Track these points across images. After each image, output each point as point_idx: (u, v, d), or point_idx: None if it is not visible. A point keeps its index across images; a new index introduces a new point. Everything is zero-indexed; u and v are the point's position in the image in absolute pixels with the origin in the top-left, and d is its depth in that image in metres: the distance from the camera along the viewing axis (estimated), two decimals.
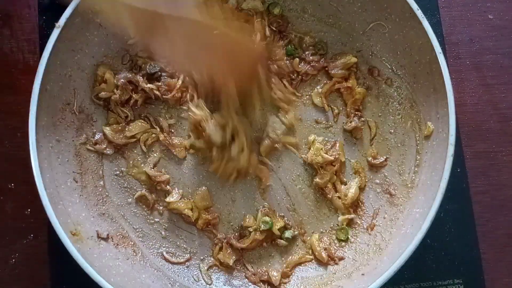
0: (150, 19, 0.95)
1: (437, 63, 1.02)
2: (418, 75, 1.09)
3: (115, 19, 0.98)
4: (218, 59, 1.03)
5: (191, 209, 1.12)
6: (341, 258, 1.10)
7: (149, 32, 0.97)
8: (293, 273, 1.10)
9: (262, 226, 1.10)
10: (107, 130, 1.13)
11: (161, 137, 1.14)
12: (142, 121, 1.15)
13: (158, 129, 1.15)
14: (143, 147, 1.15)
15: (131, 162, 1.15)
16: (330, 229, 1.13)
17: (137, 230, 1.12)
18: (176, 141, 1.15)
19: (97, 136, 1.13)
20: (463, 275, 1.16)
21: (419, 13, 1.03)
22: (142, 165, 1.14)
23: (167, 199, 1.12)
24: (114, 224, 1.11)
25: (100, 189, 1.12)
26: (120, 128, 1.14)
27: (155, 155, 1.15)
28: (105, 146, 1.13)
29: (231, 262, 1.09)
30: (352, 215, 1.12)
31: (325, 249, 1.10)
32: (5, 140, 1.20)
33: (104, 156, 1.14)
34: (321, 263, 1.10)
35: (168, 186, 1.14)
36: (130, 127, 1.15)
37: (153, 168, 1.14)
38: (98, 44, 1.13)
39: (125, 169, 1.15)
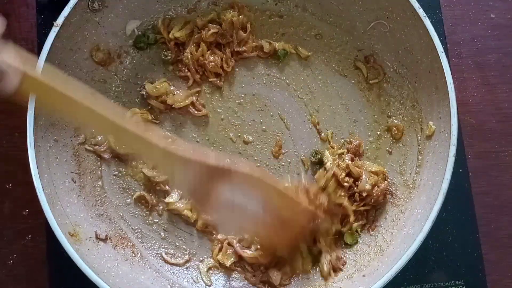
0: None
1: (439, 62, 1.01)
2: (420, 74, 1.08)
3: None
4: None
5: (191, 210, 1.12)
6: (343, 263, 1.09)
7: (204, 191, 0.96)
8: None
9: None
10: (111, 137, 1.12)
11: None
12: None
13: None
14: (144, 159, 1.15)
15: (129, 163, 1.14)
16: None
17: (136, 231, 1.12)
18: None
19: (99, 138, 1.13)
20: (465, 277, 1.15)
21: (420, 11, 1.03)
22: (141, 166, 1.14)
23: (166, 200, 1.12)
24: (112, 225, 1.10)
25: (98, 190, 1.12)
26: None
27: None
28: (104, 149, 1.13)
29: (228, 263, 1.09)
30: (364, 221, 1.11)
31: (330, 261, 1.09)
32: (3, 140, 1.20)
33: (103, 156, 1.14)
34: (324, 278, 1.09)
35: (167, 187, 1.13)
36: None
37: (151, 169, 1.13)
38: (97, 43, 1.12)
39: (124, 170, 1.14)
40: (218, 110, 1.17)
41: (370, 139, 1.16)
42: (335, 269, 1.09)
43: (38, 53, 1.02)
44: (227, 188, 0.95)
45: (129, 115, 1.14)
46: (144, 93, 1.15)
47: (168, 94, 1.15)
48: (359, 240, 1.11)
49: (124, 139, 0.94)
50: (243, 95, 1.18)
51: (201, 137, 1.16)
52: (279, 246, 1.07)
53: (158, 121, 1.16)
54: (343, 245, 1.11)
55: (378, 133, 1.15)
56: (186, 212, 1.11)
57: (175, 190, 1.13)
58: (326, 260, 1.08)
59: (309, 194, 1.06)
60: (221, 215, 1.01)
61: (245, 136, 1.16)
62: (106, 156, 1.13)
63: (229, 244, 1.10)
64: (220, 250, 1.10)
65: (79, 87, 0.94)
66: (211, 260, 1.11)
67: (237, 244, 1.09)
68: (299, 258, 1.08)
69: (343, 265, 1.08)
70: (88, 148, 1.12)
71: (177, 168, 0.93)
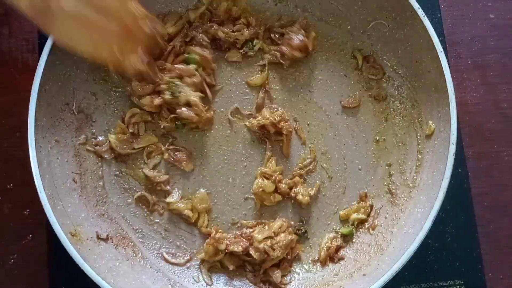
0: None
1: (438, 62, 1.02)
2: (419, 74, 1.09)
3: None
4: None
5: (191, 210, 1.12)
6: (341, 258, 1.09)
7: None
8: (292, 272, 1.10)
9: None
10: (112, 138, 1.13)
11: (166, 155, 1.14)
12: (152, 134, 1.15)
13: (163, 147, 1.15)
14: (145, 159, 1.15)
15: (130, 163, 1.15)
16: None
17: (137, 230, 1.12)
18: (180, 156, 1.15)
19: (100, 138, 1.13)
20: (464, 276, 1.16)
21: (420, 11, 1.03)
22: (142, 166, 1.14)
23: (167, 200, 1.12)
24: (113, 225, 1.10)
25: (99, 190, 1.12)
26: (125, 138, 1.14)
27: (156, 157, 1.15)
28: (105, 149, 1.13)
29: (231, 267, 1.09)
30: (364, 216, 1.12)
31: (328, 248, 1.10)
32: (4, 140, 1.20)
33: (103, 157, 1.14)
34: (322, 263, 1.10)
35: (168, 186, 1.13)
36: (139, 140, 1.15)
37: (152, 169, 1.14)
38: None
39: (125, 170, 1.14)
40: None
41: (371, 138, 1.16)
42: (332, 259, 1.10)
43: (39, 54, 1.03)
44: None
45: (128, 116, 1.14)
46: (129, 89, 1.15)
47: (152, 95, 1.15)
48: (353, 231, 1.12)
49: None
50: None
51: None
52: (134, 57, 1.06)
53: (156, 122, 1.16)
54: (341, 237, 1.12)
55: (378, 132, 1.16)
56: (187, 212, 1.11)
57: (176, 189, 1.14)
58: (325, 247, 1.10)
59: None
60: (69, 30, 0.99)
61: None
62: (107, 156, 1.13)
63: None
64: (215, 249, 1.10)
65: None
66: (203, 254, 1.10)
67: None
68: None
69: (340, 260, 1.09)
70: (89, 148, 1.12)
71: None
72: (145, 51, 1.08)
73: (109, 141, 1.13)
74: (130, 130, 1.14)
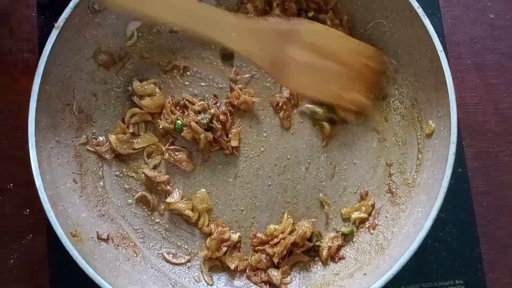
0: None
1: (438, 61, 1.02)
2: (419, 73, 1.09)
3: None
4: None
5: (192, 210, 1.12)
6: (342, 258, 1.09)
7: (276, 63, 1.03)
8: (293, 272, 1.10)
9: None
10: (112, 138, 1.13)
11: (166, 155, 1.14)
12: (152, 134, 1.16)
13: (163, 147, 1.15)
14: (146, 159, 1.15)
15: (130, 163, 1.15)
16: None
17: (138, 231, 1.12)
18: (180, 156, 1.15)
19: (100, 139, 1.13)
20: (464, 276, 1.16)
21: (420, 11, 1.03)
22: (142, 166, 1.14)
23: (168, 200, 1.12)
24: (114, 225, 1.10)
25: (100, 190, 1.12)
26: (125, 138, 1.14)
27: (156, 157, 1.15)
28: (106, 150, 1.13)
29: (232, 266, 1.09)
30: (365, 215, 1.12)
31: (329, 248, 1.10)
32: (4, 140, 1.20)
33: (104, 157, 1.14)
34: (323, 262, 1.10)
35: (168, 186, 1.13)
36: (139, 140, 1.15)
37: (152, 169, 1.14)
38: (97, 44, 1.12)
39: (125, 170, 1.14)
40: None
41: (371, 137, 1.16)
42: (333, 258, 1.10)
43: (39, 54, 1.03)
44: (300, 50, 1.00)
45: (128, 116, 1.15)
46: (130, 89, 1.15)
47: (152, 96, 1.15)
48: (354, 230, 1.12)
49: (194, 22, 1.00)
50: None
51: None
52: (357, 95, 1.11)
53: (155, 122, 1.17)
54: (341, 237, 1.12)
55: (378, 132, 1.16)
56: (188, 212, 1.11)
57: (176, 189, 1.14)
58: (325, 245, 1.10)
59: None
60: (301, 79, 1.06)
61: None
62: (107, 156, 1.13)
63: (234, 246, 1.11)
64: (218, 247, 1.10)
65: None
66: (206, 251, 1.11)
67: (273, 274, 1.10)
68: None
69: (340, 260, 1.09)
70: (90, 148, 1.12)
71: (250, 43, 1.00)
72: (369, 86, 1.13)
73: (110, 141, 1.13)
74: (130, 130, 1.14)
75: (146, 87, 1.15)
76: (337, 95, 1.09)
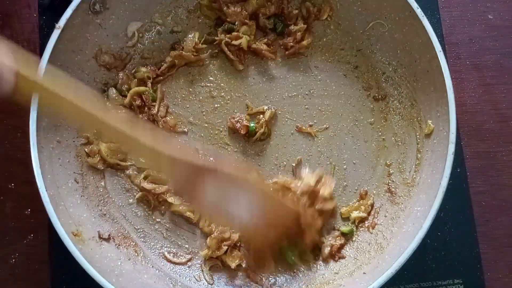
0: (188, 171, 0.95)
1: (437, 61, 1.02)
2: (418, 73, 1.09)
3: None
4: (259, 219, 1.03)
5: (193, 211, 1.12)
6: (342, 257, 1.10)
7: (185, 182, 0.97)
8: (293, 272, 1.11)
9: None
10: (103, 146, 1.13)
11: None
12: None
13: None
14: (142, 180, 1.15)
15: (125, 171, 1.15)
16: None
17: (139, 230, 1.12)
18: None
19: (92, 147, 1.13)
20: (463, 275, 1.16)
21: (419, 11, 1.03)
22: (139, 178, 1.15)
23: (169, 200, 1.13)
24: (115, 225, 1.11)
25: (101, 190, 1.12)
26: (117, 147, 1.14)
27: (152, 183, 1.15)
28: (97, 160, 1.13)
29: (233, 265, 1.09)
30: (365, 214, 1.12)
31: (331, 246, 1.10)
32: (5, 140, 1.20)
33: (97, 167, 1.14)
34: (324, 261, 1.10)
35: (168, 196, 1.13)
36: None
37: (150, 182, 1.14)
38: (98, 45, 1.13)
39: (123, 177, 1.15)
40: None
41: (371, 137, 1.17)
42: (333, 257, 1.10)
43: (40, 55, 1.03)
44: (213, 187, 0.96)
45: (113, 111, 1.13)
46: (106, 96, 1.16)
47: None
48: (354, 229, 1.12)
49: (113, 136, 0.96)
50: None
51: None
52: (264, 245, 1.08)
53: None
54: (341, 236, 1.12)
55: (377, 131, 1.17)
56: (189, 214, 1.12)
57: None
58: (328, 244, 1.10)
59: (295, 195, 1.08)
60: (207, 211, 1.03)
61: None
62: (100, 167, 1.13)
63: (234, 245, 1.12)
64: (219, 246, 1.10)
65: (76, 86, 0.96)
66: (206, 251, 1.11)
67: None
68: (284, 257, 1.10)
69: (340, 259, 1.10)
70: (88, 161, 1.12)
71: (164, 166, 0.94)
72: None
73: (100, 150, 1.12)
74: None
75: (120, 97, 1.15)
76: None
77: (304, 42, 1.17)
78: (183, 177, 0.95)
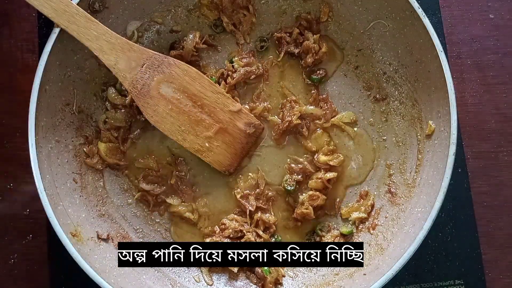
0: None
1: (438, 61, 1.02)
2: (419, 74, 1.09)
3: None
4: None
5: (192, 212, 1.12)
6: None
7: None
8: (293, 271, 1.11)
9: None
10: (102, 146, 1.13)
11: (173, 180, 1.14)
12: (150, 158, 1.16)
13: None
14: (142, 181, 1.15)
15: (123, 171, 1.15)
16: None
17: (138, 230, 1.12)
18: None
19: (91, 147, 1.13)
20: (464, 276, 1.16)
21: (420, 11, 1.03)
22: (137, 179, 1.15)
23: (168, 201, 1.13)
24: (114, 225, 1.10)
25: (100, 190, 1.12)
26: (115, 146, 1.14)
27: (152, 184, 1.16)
28: (96, 161, 1.12)
29: (235, 269, 1.09)
30: (365, 215, 1.12)
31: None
32: (4, 140, 1.20)
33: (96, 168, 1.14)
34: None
35: (168, 198, 1.14)
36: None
37: (149, 183, 1.14)
38: None
39: (122, 177, 1.15)
40: None
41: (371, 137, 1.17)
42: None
43: (39, 54, 1.02)
44: (169, 88, 1.01)
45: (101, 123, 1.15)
46: (105, 95, 1.16)
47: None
48: (354, 230, 1.12)
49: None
50: None
51: None
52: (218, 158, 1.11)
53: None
54: (341, 237, 1.12)
55: (378, 132, 1.16)
56: (188, 215, 1.12)
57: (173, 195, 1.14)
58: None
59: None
60: (164, 117, 1.06)
61: None
62: (99, 167, 1.13)
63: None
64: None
65: None
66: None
67: None
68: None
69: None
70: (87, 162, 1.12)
71: (121, 57, 1.00)
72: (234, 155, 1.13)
73: (99, 149, 1.12)
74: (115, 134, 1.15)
75: (119, 96, 1.15)
76: (198, 148, 1.10)
77: (323, 49, 1.17)
78: (138, 70, 1.03)
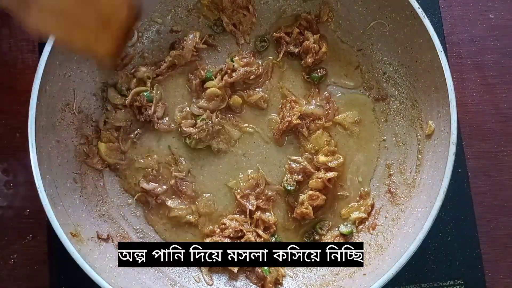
0: None
1: (438, 61, 1.02)
2: (419, 73, 1.09)
3: None
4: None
5: (192, 214, 1.13)
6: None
7: None
8: (293, 271, 1.11)
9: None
10: (102, 146, 1.13)
11: (172, 181, 1.14)
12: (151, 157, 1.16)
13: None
14: (142, 180, 1.15)
15: (123, 172, 1.15)
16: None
17: (138, 230, 1.12)
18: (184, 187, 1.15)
19: (91, 147, 1.13)
20: (464, 276, 1.16)
21: (420, 11, 1.03)
22: (137, 179, 1.15)
23: (168, 203, 1.13)
24: (114, 225, 1.10)
25: (100, 190, 1.12)
26: (115, 146, 1.14)
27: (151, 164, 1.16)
28: (96, 161, 1.13)
29: (236, 269, 1.09)
30: (365, 215, 1.12)
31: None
32: (4, 140, 1.20)
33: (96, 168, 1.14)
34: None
35: (168, 200, 1.14)
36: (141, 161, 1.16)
37: (149, 182, 1.14)
38: None
39: (122, 179, 1.15)
40: None
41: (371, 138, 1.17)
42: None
43: (39, 54, 1.02)
44: None
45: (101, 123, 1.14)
46: (105, 96, 1.16)
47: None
48: (354, 230, 1.12)
49: None
50: None
51: None
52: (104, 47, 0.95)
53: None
54: (341, 237, 1.12)
55: (378, 132, 1.16)
56: (188, 218, 1.12)
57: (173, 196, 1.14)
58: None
59: None
60: (44, 16, 0.90)
61: None
62: (99, 167, 1.13)
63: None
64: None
65: None
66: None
67: None
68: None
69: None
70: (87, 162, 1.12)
71: None
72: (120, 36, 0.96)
73: (99, 150, 1.12)
74: (115, 134, 1.15)
75: (119, 96, 1.15)
76: (84, 42, 0.93)
77: (323, 49, 1.17)
78: None
